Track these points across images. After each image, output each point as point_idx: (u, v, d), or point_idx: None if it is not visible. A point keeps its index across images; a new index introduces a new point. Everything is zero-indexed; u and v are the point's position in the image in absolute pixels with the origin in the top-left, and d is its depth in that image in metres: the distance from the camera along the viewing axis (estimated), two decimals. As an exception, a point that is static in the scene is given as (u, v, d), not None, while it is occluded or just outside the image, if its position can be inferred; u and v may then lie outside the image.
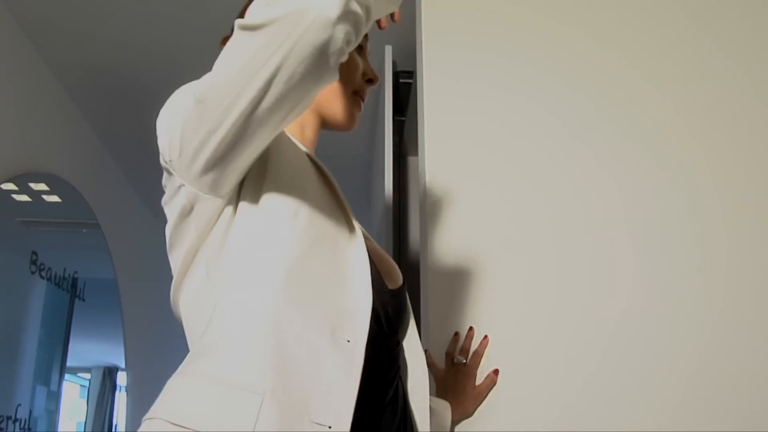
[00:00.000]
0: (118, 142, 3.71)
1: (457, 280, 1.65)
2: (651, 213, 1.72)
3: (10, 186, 2.63)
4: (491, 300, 1.64)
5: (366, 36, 1.27)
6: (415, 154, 2.90)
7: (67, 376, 3.11)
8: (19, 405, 2.63)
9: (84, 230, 3.46)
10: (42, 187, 2.93)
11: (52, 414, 2.94)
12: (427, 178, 1.72)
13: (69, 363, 3.11)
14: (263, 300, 0.87)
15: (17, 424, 2.60)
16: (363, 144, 3.65)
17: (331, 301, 0.92)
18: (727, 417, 1.56)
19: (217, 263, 0.96)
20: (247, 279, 0.90)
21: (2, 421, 2.50)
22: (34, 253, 2.77)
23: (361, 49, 1.29)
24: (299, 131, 1.30)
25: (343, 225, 1.07)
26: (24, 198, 2.80)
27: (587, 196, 1.72)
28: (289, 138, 1.14)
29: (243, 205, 0.96)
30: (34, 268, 2.78)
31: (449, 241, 1.68)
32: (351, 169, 3.99)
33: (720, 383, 1.59)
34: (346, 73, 1.25)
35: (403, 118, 2.81)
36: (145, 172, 4.11)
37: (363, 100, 1.32)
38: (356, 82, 1.29)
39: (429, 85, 1.80)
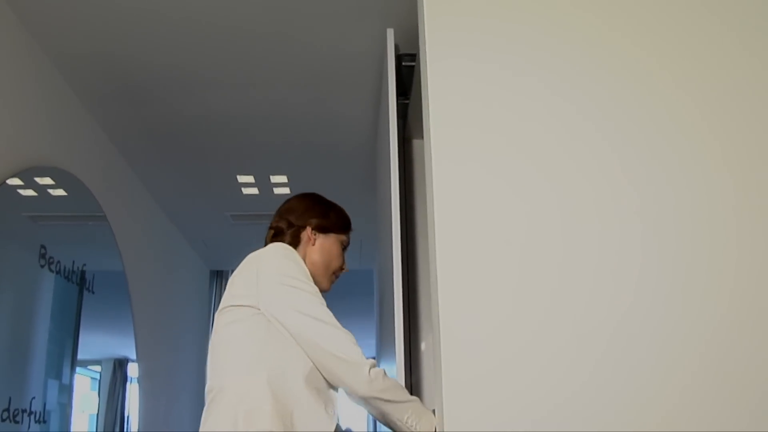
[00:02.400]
0: (123, 134, 3.71)
1: (467, 264, 1.65)
2: (662, 197, 1.71)
3: (16, 181, 2.64)
4: (500, 284, 1.63)
5: (348, 241, 2.01)
6: (420, 137, 2.90)
7: (78, 369, 3.13)
8: (34, 398, 2.65)
9: (91, 223, 3.47)
10: (47, 181, 2.93)
11: (65, 407, 2.96)
12: (434, 162, 1.71)
13: (80, 356, 3.12)
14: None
15: (32, 416, 2.62)
16: (367, 128, 3.65)
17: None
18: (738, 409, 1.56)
19: None
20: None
21: (18, 414, 2.52)
22: (42, 246, 2.78)
23: (344, 249, 1.99)
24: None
25: None
26: (30, 193, 2.81)
27: (596, 181, 1.71)
28: None
29: None
30: (43, 262, 2.79)
31: (457, 226, 1.67)
32: (356, 153, 3.99)
33: (726, 377, 1.59)
34: (333, 259, 1.94)
35: (407, 101, 2.80)
36: (150, 163, 4.12)
37: (334, 281, 1.99)
38: (337, 269, 1.97)
39: (432, 68, 1.79)
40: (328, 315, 1.69)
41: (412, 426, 1.62)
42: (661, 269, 1.65)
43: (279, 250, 1.82)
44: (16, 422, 2.51)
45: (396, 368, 1.97)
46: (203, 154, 4.02)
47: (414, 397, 1.67)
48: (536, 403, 1.56)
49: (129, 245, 3.93)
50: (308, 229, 1.93)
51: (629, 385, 1.58)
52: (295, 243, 1.91)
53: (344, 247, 1.99)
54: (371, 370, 1.62)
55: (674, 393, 1.58)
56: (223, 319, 1.74)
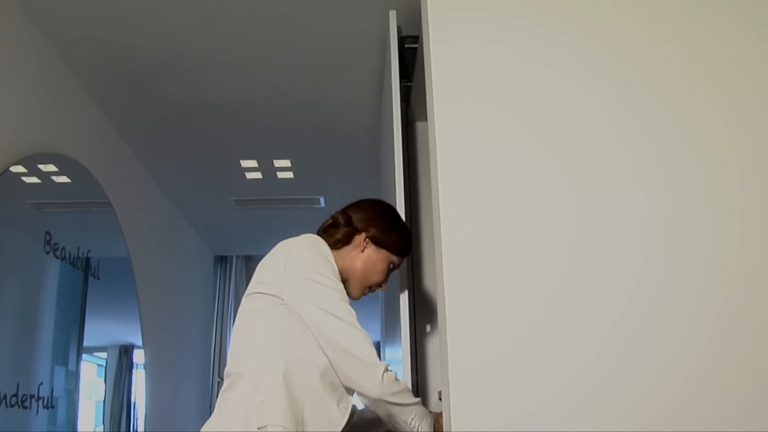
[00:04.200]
0: (126, 120, 3.70)
1: (472, 245, 1.65)
2: (668, 177, 1.70)
3: (19, 168, 2.64)
4: (506, 265, 1.63)
5: (399, 264, 1.98)
6: (423, 119, 2.89)
7: (84, 355, 3.14)
8: (41, 384, 2.67)
9: (95, 210, 3.47)
10: (51, 168, 2.93)
11: (72, 393, 2.98)
12: (438, 142, 1.70)
13: (85, 343, 3.14)
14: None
15: (40, 402, 2.63)
16: (370, 111, 3.64)
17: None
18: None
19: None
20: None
21: (26, 399, 2.53)
22: (47, 233, 2.79)
23: (391, 269, 1.95)
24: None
25: None
26: (34, 180, 2.81)
27: (603, 160, 1.70)
28: None
29: None
30: (48, 248, 2.79)
31: (462, 206, 1.67)
32: (359, 136, 3.98)
33: (729, 366, 1.59)
34: (374, 275, 1.91)
35: (410, 84, 2.79)
36: (153, 149, 4.12)
37: (368, 294, 1.95)
38: (375, 284, 1.93)
39: (436, 49, 1.78)
40: (348, 313, 1.70)
41: (414, 427, 1.68)
42: (666, 254, 1.64)
43: (309, 241, 1.82)
44: (25, 407, 2.53)
45: (402, 351, 1.97)
46: (206, 139, 4.02)
47: (417, 399, 1.72)
48: (544, 385, 1.56)
49: (134, 231, 3.93)
50: (363, 236, 1.90)
51: (635, 367, 1.58)
52: (345, 242, 1.90)
53: (392, 267, 1.96)
54: (384, 374, 1.64)
55: (680, 376, 1.58)
56: (248, 305, 1.76)
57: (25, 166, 2.68)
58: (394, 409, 1.65)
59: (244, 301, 1.78)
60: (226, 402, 1.67)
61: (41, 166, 2.84)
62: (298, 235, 1.87)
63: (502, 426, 1.54)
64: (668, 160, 1.70)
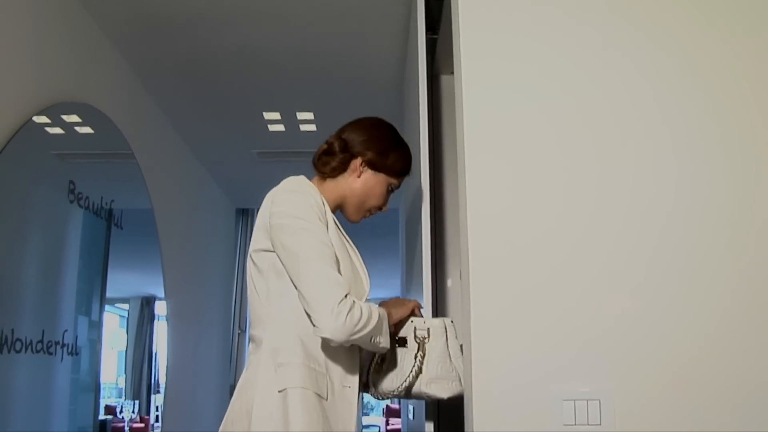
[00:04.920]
0: (150, 69, 3.69)
1: (497, 198, 1.63)
2: (692, 136, 1.66)
3: (43, 119, 2.63)
4: (531, 217, 1.62)
5: (399, 185, 1.91)
6: (448, 72, 2.84)
7: (106, 306, 3.17)
8: (66, 331, 2.70)
9: (118, 160, 3.48)
10: (74, 118, 2.93)
11: (95, 343, 3.02)
12: (464, 95, 1.68)
13: (108, 294, 3.17)
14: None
15: (65, 348, 2.67)
16: (394, 64, 3.59)
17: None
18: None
19: None
20: None
21: (51, 345, 2.57)
22: (71, 182, 2.80)
23: (392, 189, 1.90)
24: (330, 204, 1.79)
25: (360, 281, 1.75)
26: (57, 131, 2.81)
27: (630, 113, 1.67)
28: (334, 228, 1.73)
29: None
30: (72, 197, 2.80)
31: (488, 159, 1.65)
32: (382, 91, 3.95)
33: (755, 327, 1.57)
34: (373, 198, 1.86)
35: (435, 36, 2.74)
36: (177, 100, 4.10)
37: (368, 216, 1.92)
38: (374, 207, 1.89)
39: (463, 1, 1.75)
40: (314, 250, 1.61)
41: (379, 343, 1.64)
42: (694, 207, 1.62)
43: (290, 184, 1.77)
44: (50, 353, 2.56)
45: (424, 307, 1.97)
46: (229, 90, 3.99)
47: (376, 316, 1.62)
48: (567, 341, 1.56)
49: (156, 182, 3.94)
50: (359, 160, 1.84)
51: (659, 324, 1.56)
52: (341, 169, 1.84)
53: (392, 190, 1.91)
54: (345, 318, 1.53)
55: (704, 334, 1.56)
56: (253, 265, 1.74)
57: (48, 117, 2.68)
58: (360, 340, 1.58)
59: (249, 260, 1.75)
60: (251, 366, 1.68)
61: (64, 117, 2.84)
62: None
63: (525, 382, 1.54)
64: (695, 125, 1.67)
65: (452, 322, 1.81)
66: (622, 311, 1.57)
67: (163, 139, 4.31)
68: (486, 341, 1.56)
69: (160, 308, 4.19)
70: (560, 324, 1.56)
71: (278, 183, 1.80)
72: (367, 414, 13.91)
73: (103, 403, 3.27)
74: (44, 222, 2.70)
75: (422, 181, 2.15)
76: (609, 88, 1.69)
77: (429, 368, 1.74)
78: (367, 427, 13.18)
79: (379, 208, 1.91)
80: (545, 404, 1.53)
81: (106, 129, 3.21)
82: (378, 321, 1.61)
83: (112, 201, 3.16)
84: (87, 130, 3.06)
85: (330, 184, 1.85)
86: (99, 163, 3.33)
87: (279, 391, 1.57)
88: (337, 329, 1.53)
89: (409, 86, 2.91)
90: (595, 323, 1.56)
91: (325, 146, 1.89)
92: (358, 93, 4.00)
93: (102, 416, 3.23)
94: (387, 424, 10.51)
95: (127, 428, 3.63)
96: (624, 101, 1.68)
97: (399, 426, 8.79)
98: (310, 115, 4.36)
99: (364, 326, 1.56)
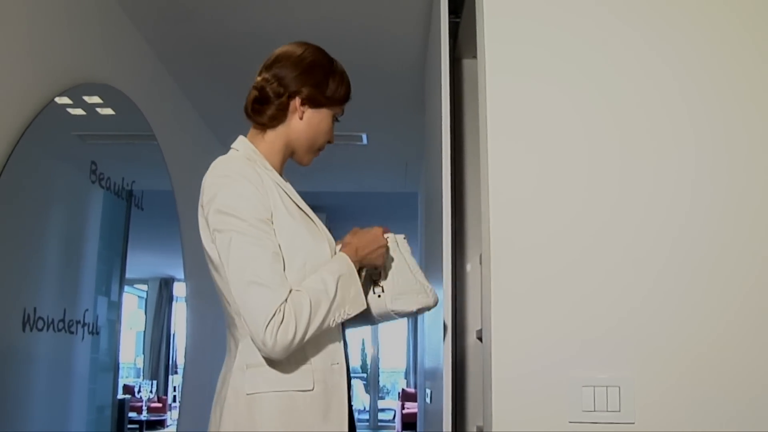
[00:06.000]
0: (171, 52, 3.69)
1: (520, 183, 1.62)
2: (714, 123, 1.64)
3: (65, 100, 2.64)
4: (555, 201, 1.61)
5: (342, 112, 1.77)
6: (471, 56, 2.82)
7: (125, 287, 3.19)
8: (87, 310, 2.72)
9: (140, 142, 3.49)
10: (96, 99, 2.94)
11: (114, 323, 3.04)
12: (488, 79, 1.67)
13: (127, 275, 3.18)
14: None
15: (86, 328, 2.69)
16: (416, 47, 3.57)
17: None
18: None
19: None
20: None
21: (72, 324, 2.59)
22: (93, 162, 2.81)
23: (337, 119, 1.76)
24: (276, 156, 1.71)
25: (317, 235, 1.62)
26: (79, 111, 2.82)
27: (654, 99, 1.65)
28: (278, 197, 1.60)
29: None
30: (93, 178, 2.82)
31: (511, 144, 1.64)
32: (404, 73, 3.93)
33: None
34: (321, 136, 1.72)
35: (458, 20, 2.72)
36: (198, 82, 4.11)
37: (318, 155, 1.78)
38: (323, 144, 1.75)
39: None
40: (242, 259, 1.48)
41: (347, 314, 1.53)
42: (716, 195, 1.61)
43: (218, 170, 1.68)
44: (71, 332, 2.59)
45: (443, 291, 1.96)
46: (251, 72, 3.96)
47: (325, 297, 1.49)
48: (587, 326, 1.55)
49: (177, 164, 3.95)
50: (297, 100, 1.67)
51: (681, 309, 1.56)
52: (281, 117, 1.67)
53: (337, 119, 1.77)
54: (276, 334, 1.41)
55: (725, 319, 1.55)
56: (210, 262, 1.66)
57: (70, 98, 2.68)
58: (317, 333, 1.48)
59: (206, 255, 1.67)
60: (225, 364, 1.61)
61: (86, 98, 2.85)
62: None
63: (544, 368, 1.54)
64: (719, 119, 1.65)
65: (405, 237, 1.77)
66: (642, 299, 1.56)
67: (185, 121, 4.32)
68: (506, 327, 1.55)
69: (179, 289, 4.21)
70: (580, 311, 1.56)
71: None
72: (382, 398, 13.97)
73: (121, 382, 3.30)
74: (66, 202, 2.72)
75: (443, 165, 2.14)
76: (633, 76, 1.67)
77: (389, 284, 1.69)
78: (383, 410, 13.25)
79: (328, 142, 1.76)
80: (564, 390, 1.52)
81: (127, 110, 3.22)
82: (336, 294, 1.50)
83: (133, 182, 3.18)
84: (108, 111, 3.07)
85: (270, 134, 1.69)
86: (120, 144, 3.34)
87: (247, 394, 1.49)
88: (274, 352, 1.42)
89: (431, 70, 2.90)
90: (615, 310, 1.56)
91: (256, 93, 1.71)
92: (378, 76, 3.98)
93: (120, 395, 3.26)
94: (403, 408, 10.53)
95: (145, 408, 3.67)
96: (648, 90, 1.66)
97: (415, 410, 8.82)
98: (330, 99, 4.35)
99: (308, 326, 1.44)
